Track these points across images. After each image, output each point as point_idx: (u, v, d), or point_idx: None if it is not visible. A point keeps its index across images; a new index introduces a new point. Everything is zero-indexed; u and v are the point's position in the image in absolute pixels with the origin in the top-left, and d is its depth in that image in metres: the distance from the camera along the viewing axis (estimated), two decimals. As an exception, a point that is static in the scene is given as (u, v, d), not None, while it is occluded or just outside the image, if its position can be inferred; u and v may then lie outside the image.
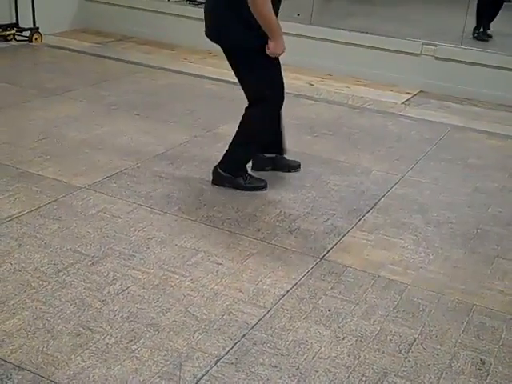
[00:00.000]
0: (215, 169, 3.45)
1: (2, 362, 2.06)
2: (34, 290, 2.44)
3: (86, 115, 4.43)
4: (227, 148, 3.45)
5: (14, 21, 6.28)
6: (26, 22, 6.30)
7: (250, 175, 3.47)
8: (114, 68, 5.73)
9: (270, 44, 3.08)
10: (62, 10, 6.92)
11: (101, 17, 7.08)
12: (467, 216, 3.34)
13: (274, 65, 3.20)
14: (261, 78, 3.23)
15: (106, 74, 5.48)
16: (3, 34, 6.20)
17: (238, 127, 3.38)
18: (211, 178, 3.46)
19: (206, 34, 3.24)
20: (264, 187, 3.45)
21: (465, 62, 5.54)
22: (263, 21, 2.99)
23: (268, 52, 3.10)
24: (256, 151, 3.54)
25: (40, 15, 6.35)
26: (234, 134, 3.41)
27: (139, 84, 5.29)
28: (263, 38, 3.06)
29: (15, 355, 2.09)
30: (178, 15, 6.69)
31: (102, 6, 7.07)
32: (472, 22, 6.89)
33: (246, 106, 3.34)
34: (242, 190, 3.40)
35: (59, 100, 4.70)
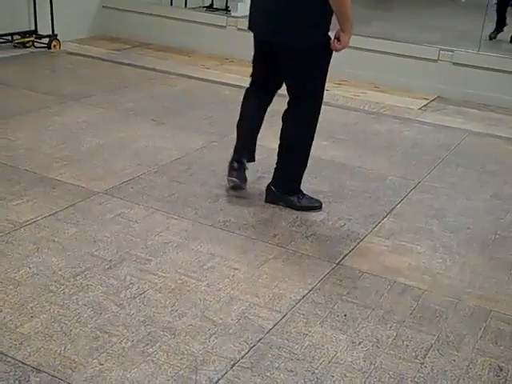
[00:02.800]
0: (269, 187, 3.33)
1: (21, 365, 2.07)
2: (52, 294, 2.46)
3: (103, 121, 4.46)
4: (279, 163, 3.30)
5: (33, 28, 6.35)
6: (44, 29, 6.36)
7: (303, 193, 3.34)
8: (131, 74, 5.77)
9: (343, 38, 3.00)
10: (80, 17, 6.98)
11: (118, 24, 7.14)
12: (485, 222, 3.32)
13: (329, 61, 3.13)
14: (320, 75, 3.16)
15: (124, 80, 5.52)
16: (22, 40, 6.26)
17: (287, 138, 3.24)
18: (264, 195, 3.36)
19: (262, 34, 3.13)
20: (319, 207, 3.32)
21: (482, 68, 5.51)
22: (344, 11, 2.94)
23: (338, 47, 3.03)
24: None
25: (58, 22, 6.41)
26: (281, 149, 3.27)
27: (156, 90, 5.32)
28: (325, 36, 3.04)
29: (33, 357, 2.11)
30: (195, 22, 6.72)
31: (119, 13, 7.13)
32: (490, 28, 6.88)
33: (287, 111, 3.24)
34: (297, 209, 3.27)
35: (77, 106, 4.74)
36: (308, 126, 3.24)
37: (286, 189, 3.31)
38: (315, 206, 3.33)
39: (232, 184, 3.38)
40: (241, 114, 3.41)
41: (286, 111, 3.26)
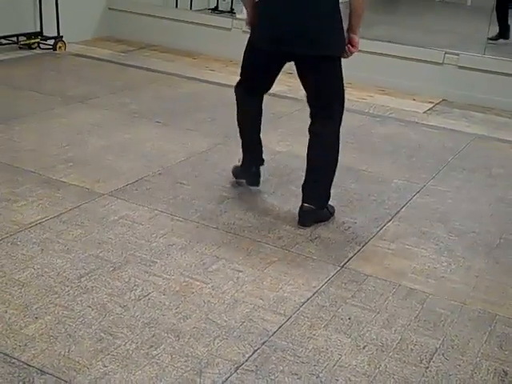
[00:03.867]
0: (307, 211, 3.14)
1: (25, 366, 2.08)
2: (57, 295, 2.46)
3: (108, 122, 4.47)
4: (315, 178, 3.18)
5: (39, 29, 6.36)
6: (50, 30, 6.37)
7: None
8: (136, 76, 5.78)
9: (356, 40, 3.07)
10: (86, 19, 7.00)
11: (124, 25, 7.15)
12: (490, 225, 3.31)
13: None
14: (342, 82, 3.14)
15: (129, 82, 5.53)
16: (28, 42, 6.28)
17: (328, 153, 3.16)
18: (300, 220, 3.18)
19: (284, 41, 2.97)
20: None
21: (488, 71, 5.50)
22: (363, 14, 3.00)
23: (353, 50, 3.09)
24: None
25: (64, 24, 6.42)
26: (317, 163, 3.18)
27: (161, 92, 5.33)
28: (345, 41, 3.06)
29: (37, 359, 2.11)
30: (200, 24, 6.72)
31: (124, 15, 7.14)
32: (495, 31, 6.87)
33: (312, 124, 3.16)
34: (328, 219, 3.22)
35: (82, 107, 4.75)
36: (338, 139, 3.18)
37: (323, 202, 3.21)
38: (333, 210, 3.31)
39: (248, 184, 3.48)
40: (243, 124, 3.41)
41: (316, 125, 3.15)
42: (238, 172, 3.53)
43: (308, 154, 3.19)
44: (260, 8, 3.09)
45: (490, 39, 6.61)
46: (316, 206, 3.17)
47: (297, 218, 3.18)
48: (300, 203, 3.18)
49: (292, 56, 3.06)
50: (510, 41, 7.04)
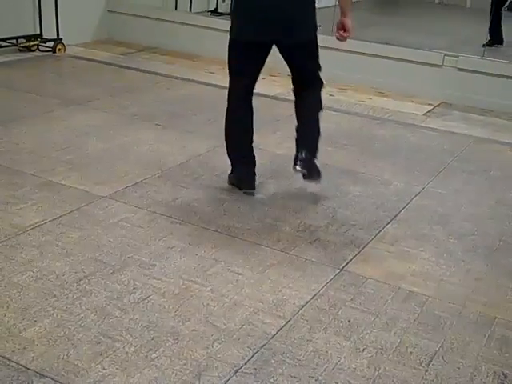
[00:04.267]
0: (312, 163, 3.37)
1: (24, 369, 2.07)
2: (55, 298, 2.45)
3: (107, 125, 4.47)
4: (309, 131, 3.45)
5: (38, 32, 6.37)
6: (49, 32, 6.38)
7: None
8: (135, 78, 5.78)
9: (349, 23, 3.25)
10: (85, 21, 7.00)
11: (123, 28, 7.15)
12: (489, 228, 3.31)
13: None
14: (319, 52, 3.42)
15: (128, 85, 5.53)
16: (27, 44, 6.28)
17: (313, 110, 3.45)
18: (311, 175, 3.39)
19: (272, 36, 3.22)
20: None
21: (487, 74, 5.50)
22: None
23: (346, 35, 3.29)
24: None
25: (63, 26, 6.43)
26: (308, 119, 3.47)
27: (161, 94, 5.33)
28: None
29: (36, 362, 2.11)
30: (199, 26, 6.73)
31: (124, 17, 7.14)
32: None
33: (299, 94, 3.45)
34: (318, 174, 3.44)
35: (82, 110, 4.75)
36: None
37: (315, 153, 3.43)
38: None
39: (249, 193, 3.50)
40: (238, 134, 3.48)
41: (303, 95, 3.43)
42: (241, 183, 3.52)
43: (301, 112, 3.47)
44: (240, 2, 3.27)
45: (486, 45, 6.59)
46: (311, 155, 3.39)
47: (296, 220, 3.19)
48: (298, 206, 3.17)
49: (280, 43, 3.26)
50: (509, 43, 7.04)
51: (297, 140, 3.45)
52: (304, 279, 2.72)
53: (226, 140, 3.48)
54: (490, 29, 6.80)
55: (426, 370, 2.22)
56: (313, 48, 3.37)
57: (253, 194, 3.47)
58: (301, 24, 3.23)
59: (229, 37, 3.30)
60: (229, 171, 3.57)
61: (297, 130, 3.47)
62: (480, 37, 6.56)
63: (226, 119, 3.45)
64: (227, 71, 3.40)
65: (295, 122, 3.48)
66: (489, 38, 6.73)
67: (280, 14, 3.17)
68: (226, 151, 3.53)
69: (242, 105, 3.42)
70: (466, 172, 4.06)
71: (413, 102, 5.60)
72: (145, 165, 3.79)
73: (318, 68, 3.45)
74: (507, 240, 3.19)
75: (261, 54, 3.31)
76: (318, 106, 3.49)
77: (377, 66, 5.89)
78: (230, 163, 3.54)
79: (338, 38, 3.38)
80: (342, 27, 3.27)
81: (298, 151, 3.40)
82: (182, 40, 6.81)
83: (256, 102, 3.48)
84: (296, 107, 3.48)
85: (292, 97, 3.51)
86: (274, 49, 3.32)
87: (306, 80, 3.44)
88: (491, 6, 6.93)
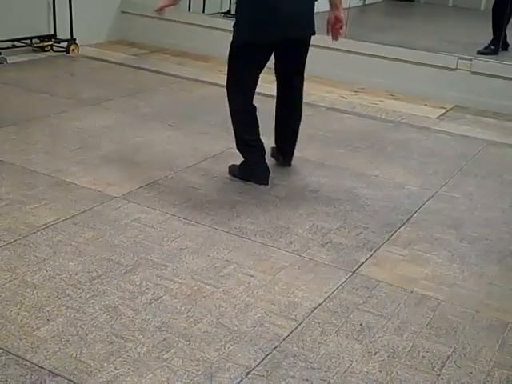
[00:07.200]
0: (289, 163, 3.79)
1: (37, 368, 2.08)
2: (68, 298, 2.46)
3: (120, 125, 4.48)
4: (291, 129, 3.71)
5: (52, 32, 6.40)
6: (63, 33, 6.41)
7: None
8: (148, 79, 5.79)
9: (342, 14, 3.34)
10: (99, 22, 7.03)
11: (136, 29, 7.18)
12: (503, 232, 3.29)
13: None
14: None
15: (141, 85, 5.55)
16: (41, 45, 6.32)
17: (299, 105, 3.64)
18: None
19: (288, 30, 3.27)
20: None
21: (501, 77, 5.47)
22: None
23: (341, 31, 3.39)
24: None
25: (77, 27, 6.45)
26: (290, 115, 3.69)
27: (174, 95, 5.34)
28: None
29: (49, 361, 2.11)
30: (212, 27, 6.74)
31: (137, 18, 7.16)
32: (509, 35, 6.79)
33: (290, 87, 3.61)
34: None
35: (95, 110, 4.77)
36: None
37: (293, 155, 3.79)
38: None
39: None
40: (253, 131, 3.59)
41: (288, 88, 3.59)
42: (257, 176, 3.61)
43: (285, 118, 3.67)
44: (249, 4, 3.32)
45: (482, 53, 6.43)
46: (292, 151, 3.81)
47: (309, 222, 3.19)
48: (310, 208, 3.18)
49: (287, 40, 3.32)
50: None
51: (277, 139, 3.74)
52: (316, 282, 2.71)
53: (236, 129, 3.59)
54: (498, 35, 6.73)
55: (439, 375, 2.20)
56: (309, 44, 3.52)
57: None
58: (309, 19, 3.34)
59: (235, 40, 3.34)
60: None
61: (278, 129, 3.66)
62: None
63: (233, 116, 3.59)
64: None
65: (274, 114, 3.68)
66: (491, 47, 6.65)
67: (293, 13, 3.26)
68: (239, 152, 3.56)
69: (250, 103, 3.53)
70: (480, 176, 4.04)
71: (426, 105, 5.57)
72: (157, 165, 3.80)
73: (304, 64, 3.61)
74: (521, 245, 3.18)
75: (271, 52, 3.41)
76: (301, 98, 3.65)
77: (390, 69, 5.88)
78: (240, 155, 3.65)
79: (333, 37, 3.42)
80: (337, 21, 3.28)
81: (278, 152, 3.78)
82: (195, 41, 6.82)
83: (256, 102, 3.54)
84: (279, 102, 3.64)
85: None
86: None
87: (295, 72, 3.59)
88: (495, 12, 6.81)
